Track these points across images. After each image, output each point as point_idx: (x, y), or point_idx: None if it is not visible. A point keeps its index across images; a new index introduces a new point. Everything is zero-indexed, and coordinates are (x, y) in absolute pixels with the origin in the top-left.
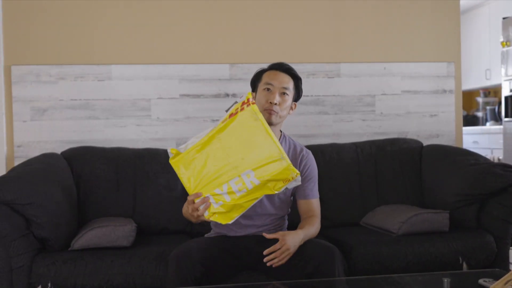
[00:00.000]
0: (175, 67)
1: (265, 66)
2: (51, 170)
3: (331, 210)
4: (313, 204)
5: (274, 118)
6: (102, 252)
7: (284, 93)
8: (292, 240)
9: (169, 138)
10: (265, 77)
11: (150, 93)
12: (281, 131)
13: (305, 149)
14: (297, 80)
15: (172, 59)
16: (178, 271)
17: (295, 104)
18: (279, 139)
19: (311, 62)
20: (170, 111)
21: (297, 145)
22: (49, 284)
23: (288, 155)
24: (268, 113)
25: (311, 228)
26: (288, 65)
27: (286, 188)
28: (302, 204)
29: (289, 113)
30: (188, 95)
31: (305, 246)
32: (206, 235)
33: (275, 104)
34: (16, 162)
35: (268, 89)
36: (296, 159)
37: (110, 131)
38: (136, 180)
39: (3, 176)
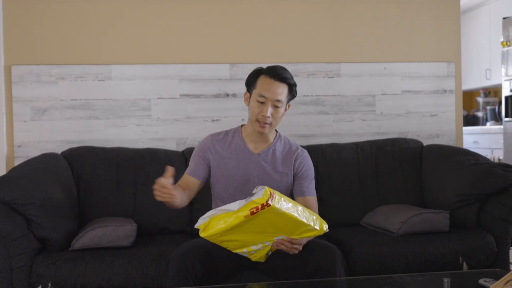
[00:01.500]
0: (175, 67)
1: (265, 66)
2: (51, 170)
3: (331, 210)
4: (310, 201)
5: (266, 130)
6: (103, 252)
7: (277, 106)
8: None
9: (169, 138)
10: (260, 85)
11: (150, 93)
12: (276, 131)
13: (300, 148)
14: (291, 86)
15: (172, 59)
16: (179, 271)
17: (289, 106)
18: (274, 140)
19: (311, 62)
20: (170, 111)
21: (293, 144)
22: (50, 284)
23: (282, 154)
24: (260, 126)
25: None
26: (283, 72)
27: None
28: (299, 201)
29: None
30: (188, 95)
31: (306, 246)
32: None
33: (268, 117)
34: (16, 162)
35: (262, 102)
36: (290, 157)
37: (110, 131)
38: (136, 180)
39: (4, 176)
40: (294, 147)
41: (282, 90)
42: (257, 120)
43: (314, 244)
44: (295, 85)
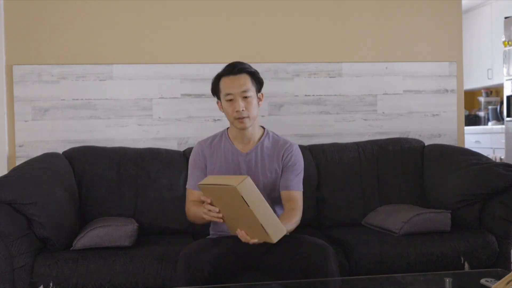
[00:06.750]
0: (177, 66)
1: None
2: (52, 169)
3: (333, 210)
4: (294, 195)
5: (247, 124)
6: (104, 252)
7: (246, 97)
8: None
9: (170, 138)
10: (223, 86)
11: (151, 92)
12: (263, 128)
13: (289, 142)
14: (253, 74)
15: (173, 59)
16: (187, 271)
17: (262, 94)
18: (262, 137)
19: (313, 62)
20: (171, 111)
21: (281, 140)
22: (51, 284)
23: (271, 150)
24: (240, 121)
25: (288, 224)
26: (239, 64)
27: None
28: (283, 194)
29: (259, 106)
30: (189, 95)
31: (299, 245)
32: (208, 237)
33: (242, 110)
34: (18, 162)
35: (230, 100)
36: (279, 152)
37: (111, 131)
38: (137, 180)
39: (5, 176)
40: (282, 142)
41: (244, 81)
42: (235, 119)
43: (306, 243)
44: (255, 72)
